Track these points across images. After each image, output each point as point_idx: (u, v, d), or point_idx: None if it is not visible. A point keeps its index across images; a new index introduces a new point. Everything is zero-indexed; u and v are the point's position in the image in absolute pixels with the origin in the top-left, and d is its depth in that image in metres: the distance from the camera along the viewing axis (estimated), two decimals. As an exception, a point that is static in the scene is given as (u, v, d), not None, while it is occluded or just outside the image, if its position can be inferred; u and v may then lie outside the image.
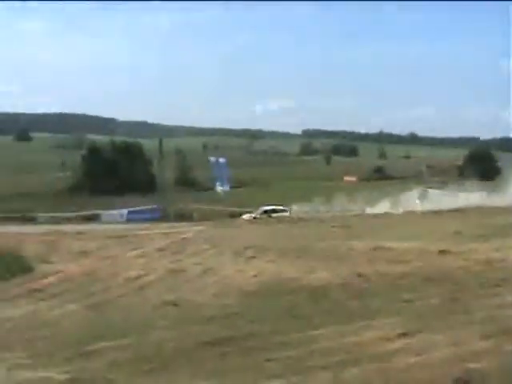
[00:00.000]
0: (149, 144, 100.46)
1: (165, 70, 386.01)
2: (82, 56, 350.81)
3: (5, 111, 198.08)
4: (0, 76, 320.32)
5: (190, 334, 21.01)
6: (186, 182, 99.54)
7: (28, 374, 17.63)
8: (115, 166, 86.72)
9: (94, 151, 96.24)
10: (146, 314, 24.71)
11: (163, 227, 55.90)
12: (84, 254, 40.82)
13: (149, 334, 21.16)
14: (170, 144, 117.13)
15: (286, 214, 62.19)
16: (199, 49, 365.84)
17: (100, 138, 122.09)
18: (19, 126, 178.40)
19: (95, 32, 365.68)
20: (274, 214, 61.39)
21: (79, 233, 51.82)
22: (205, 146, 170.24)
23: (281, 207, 64.17)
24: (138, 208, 61.90)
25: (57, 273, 33.81)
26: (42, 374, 17.56)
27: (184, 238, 47.99)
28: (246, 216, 61.57)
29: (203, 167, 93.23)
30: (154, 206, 69.59)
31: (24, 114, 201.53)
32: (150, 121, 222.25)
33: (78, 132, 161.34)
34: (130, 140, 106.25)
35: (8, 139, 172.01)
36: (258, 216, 60.89)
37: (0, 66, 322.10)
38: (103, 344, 20.13)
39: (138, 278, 32.64)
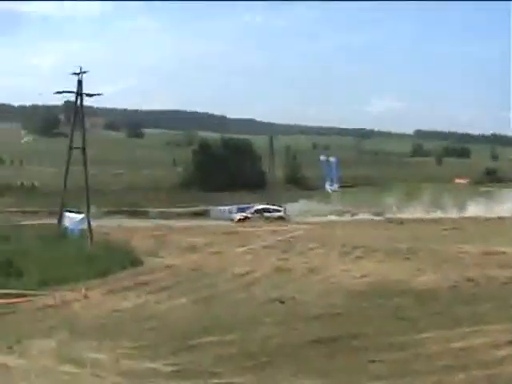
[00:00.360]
0: (258, 142, 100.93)
1: (274, 70, 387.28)
2: (194, 54, 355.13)
3: (120, 107, 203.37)
4: (116, 73, 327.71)
5: (295, 331, 21.04)
6: (296, 181, 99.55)
7: (135, 365, 18.01)
8: (225, 163, 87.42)
9: (205, 148, 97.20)
10: (252, 310, 24.85)
11: (271, 224, 56.08)
12: (192, 249, 41.36)
13: (254, 331, 21.28)
14: (279, 142, 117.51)
15: (280, 213, 59.73)
16: (308, 48, 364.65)
17: (211, 135, 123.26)
18: (132, 123, 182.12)
19: (208, 31, 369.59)
20: (267, 214, 59.40)
21: (188, 228, 52.49)
22: (315, 145, 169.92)
23: (274, 207, 61.64)
24: (246, 205, 61.86)
25: (165, 267, 34.38)
26: (148, 365, 17.90)
27: (292, 236, 48.02)
28: (237, 215, 59.32)
29: (313, 166, 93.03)
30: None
31: (137, 111, 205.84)
32: (258, 119, 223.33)
33: (189, 129, 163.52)
34: (240, 137, 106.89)
35: (121, 135, 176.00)
36: (250, 215, 59.00)
37: (116, 63, 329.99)
38: (209, 338, 20.37)
39: (245, 274, 32.87)
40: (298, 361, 17.67)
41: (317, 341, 19.53)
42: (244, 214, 59.41)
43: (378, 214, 62.78)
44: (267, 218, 59.41)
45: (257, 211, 60.22)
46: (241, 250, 41.02)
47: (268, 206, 61.36)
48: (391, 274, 31.75)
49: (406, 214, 62.59)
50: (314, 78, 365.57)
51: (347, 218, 62.67)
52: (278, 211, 61.17)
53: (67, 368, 17.66)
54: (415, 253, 38.73)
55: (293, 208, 63.33)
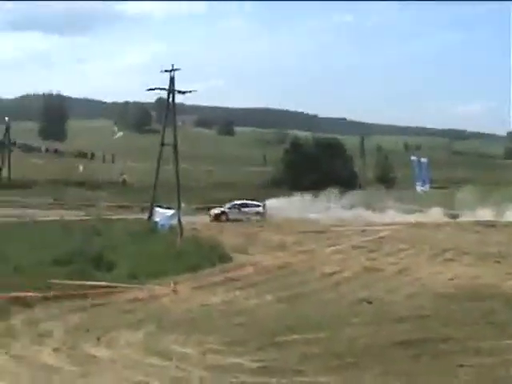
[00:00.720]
0: (349, 141, 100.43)
1: (363, 69, 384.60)
2: (286, 53, 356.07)
3: (211, 105, 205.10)
4: (208, 71, 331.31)
5: (383, 332, 20.79)
6: (386, 181, 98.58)
7: (221, 360, 18.10)
8: (316, 162, 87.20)
9: (296, 146, 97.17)
10: (340, 309, 24.69)
11: (360, 224, 55.66)
12: (281, 247, 41.40)
13: (341, 330, 21.12)
14: (370, 142, 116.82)
15: (258, 209, 57.93)
16: (400, 48, 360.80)
17: (302, 134, 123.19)
18: (223, 120, 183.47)
19: (299, 31, 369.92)
20: (245, 209, 57.63)
21: (278, 226, 52.57)
22: (406, 145, 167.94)
23: (254, 202, 59.69)
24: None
25: (254, 264, 34.49)
26: (234, 360, 17.96)
27: (381, 237, 47.60)
28: (214, 210, 57.98)
29: (404, 166, 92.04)
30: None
31: (228, 109, 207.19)
32: (349, 118, 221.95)
33: (280, 127, 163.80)
34: (331, 136, 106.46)
35: (212, 133, 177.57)
36: (227, 210, 57.44)
37: (208, 61, 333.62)
38: (295, 336, 20.32)
39: (333, 273, 32.72)
40: (385, 362, 17.44)
41: (404, 342, 19.25)
42: (221, 209, 58.22)
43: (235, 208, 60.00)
44: (245, 214, 57.81)
45: (234, 206, 58.88)
46: (330, 249, 40.83)
47: (247, 202, 59.87)
48: (481, 278, 31.11)
49: (497, 217, 61.04)
50: (405, 77, 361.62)
51: (438, 219, 61.52)
52: (257, 206, 59.69)
53: (154, 360, 17.88)
54: (506, 257, 37.83)
55: (382, 207, 62.56)
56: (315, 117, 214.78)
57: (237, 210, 57.70)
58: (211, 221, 55.39)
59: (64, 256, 30.61)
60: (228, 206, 58.61)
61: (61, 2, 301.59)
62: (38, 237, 36.40)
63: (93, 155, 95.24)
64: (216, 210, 57.48)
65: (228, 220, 55.79)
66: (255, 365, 17.54)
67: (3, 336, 19.97)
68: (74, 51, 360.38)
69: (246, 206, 58.60)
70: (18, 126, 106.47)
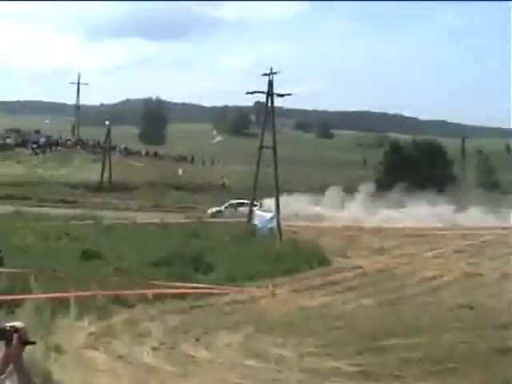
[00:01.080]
0: (449, 143, 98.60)
1: (466, 69, 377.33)
2: (385, 55, 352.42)
3: (310, 108, 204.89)
4: (307, 73, 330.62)
5: (484, 339, 20.31)
6: (488, 184, 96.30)
7: (318, 363, 18.03)
8: (416, 165, 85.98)
9: (396, 149, 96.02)
10: (440, 314, 24.30)
11: (462, 228, 54.48)
12: (381, 250, 40.89)
13: (441, 335, 20.75)
14: (471, 144, 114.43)
15: (254, 208, 56.24)
16: (502, 46, 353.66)
17: (402, 137, 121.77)
18: (322, 123, 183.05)
19: (399, 32, 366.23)
20: (241, 208, 56.36)
21: (378, 229, 51.93)
22: (508, 148, 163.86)
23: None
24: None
25: (353, 268, 34.23)
26: (332, 363, 17.86)
27: (483, 241, 46.52)
28: (212, 209, 56.80)
29: (506, 169, 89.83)
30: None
31: (327, 112, 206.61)
32: (449, 120, 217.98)
33: (379, 130, 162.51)
34: (431, 138, 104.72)
35: (311, 136, 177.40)
36: (223, 209, 56.27)
37: (307, 64, 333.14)
38: (394, 341, 20.07)
39: (433, 278, 32.17)
40: (486, 369, 17.04)
41: (506, 350, 18.75)
42: (217, 208, 57.39)
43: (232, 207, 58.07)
44: (241, 213, 56.59)
45: (231, 205, 58.03)
46: (430, 253, 40.13)
47: (243, 201, 58.66)
48: None
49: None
50: (505, 78, 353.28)
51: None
52: (254, 206, 58.36)
53: (252, 362, 17.95)
54: None
55: (483, 211, 60.85)
56: (415, 119, 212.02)
57: (233, 209, 57.44)
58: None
59: (164, 258, 31.06)
60: (225, 205, 58.48)
61: (160, 8, 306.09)
62: (138, 238, 37.03)
63: (192, 159, 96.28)
64: (213, 209, 57.38)
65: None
66: (353, 369, 17.41)
67: (104, 335, 20.41)
68: (173, 57, 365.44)
69: (243, 205, 58.24)
70: (119, 130, 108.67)
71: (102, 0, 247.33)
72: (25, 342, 3.61)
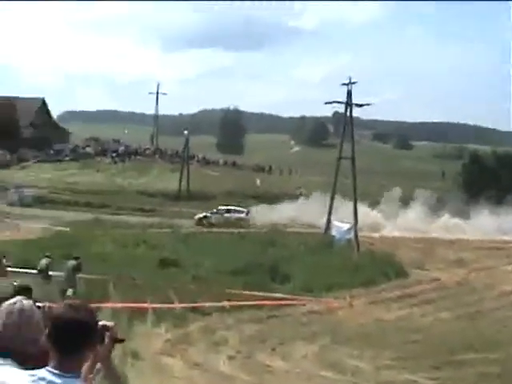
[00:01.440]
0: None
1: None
2: (463, 64, 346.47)
3: (388, 119, 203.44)
4: (383, 83, 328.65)
5: None
6: None
7: (395, 376, 17.84)
8: (496, 177, 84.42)
9: (475, 161, 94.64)
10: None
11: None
12: (459, 263, 40.19)
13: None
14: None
15: (241, 215, 54.73)
16: None
17: (480, 148, 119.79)
18: (400, 134, 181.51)
19: (481, 39, 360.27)
20: (227, 215, 54.96)
21: (453, 242, 51.09)
22: None
23: (238, 208, 56.24)
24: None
25: (431, 280, 33.78)
26: (408, 377, 17.65)
27: None
28: (199, 214, 55.36)
29: None
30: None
31: (405, 123, 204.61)
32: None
33: (458, 142, 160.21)
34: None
35: (388, 147, 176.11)
36: (209, 215, 54.79)
37: (384, 73, 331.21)
38: (473, 355, 19.71)
39: (513, 292, 31.52)
40: None
41: None
42: (204, 214, 56.44)
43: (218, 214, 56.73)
44: (227, 219, 55.70)
45: (218, 211, 57.05)
46: (509, 267, 39.30)
47: (230, 208, 57.67)
48: None
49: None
50: None
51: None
52: (241, 213, 57.45)
53: (328, 373, 17.87)
54: None
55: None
56: (495, 130, 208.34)
57: (219, 215, 56.95)
58: (196, 224, 54.60)
59: (241, 266, 31.22)
60: (212, 211, 57.99)
61: (238, 18, 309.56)
62: (215, 247, 37.30)
63: (270, 168, 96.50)
64: (200, 215, 56.97)
65: (211, 224, 54.74)
66: (430, 383, 17.19)
67: (180, 342, 20.57)
68: (251, 67, 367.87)
69: (229, 211, 57.79)
70: (197, 139, 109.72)
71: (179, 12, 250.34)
72: (115, 340, 3.66)
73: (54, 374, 3.34)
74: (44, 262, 25.74)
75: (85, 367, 3.58)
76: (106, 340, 3.61)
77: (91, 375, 3.71)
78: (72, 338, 3.37)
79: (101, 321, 3.63)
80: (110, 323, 3.69)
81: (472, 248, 46.88)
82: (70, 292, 23.74)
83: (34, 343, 3.93)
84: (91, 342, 3.46)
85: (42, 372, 3.36)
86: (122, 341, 3.75)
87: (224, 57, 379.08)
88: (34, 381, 3.33)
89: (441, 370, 18.37)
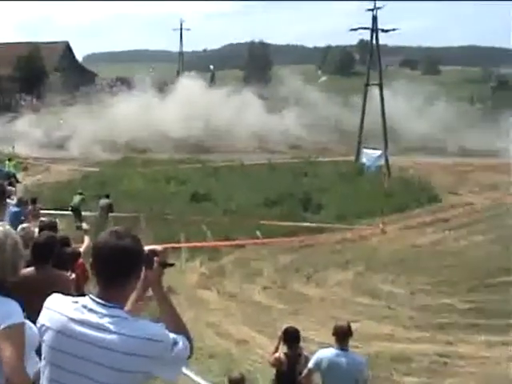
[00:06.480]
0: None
1: None
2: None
3: (417, 45, 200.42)
4: (411, 10, 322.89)
5: None
6: None
7: (430, 300, 17.84)
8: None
9: (503, 84, 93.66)
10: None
11: None
12: (494, 187, 39.70)
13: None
14: None
15: None
16: None
17: (509, 71, 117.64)
18: (428, 60, 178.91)
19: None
20: None
21: (491, 166, 50.17)
22: None
23: None
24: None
25: (465, 204, 33.53)
26: (443, 300, 17.64)
27: None
28: None
29: None
30: None
31: (432, 48, 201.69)
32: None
33: (486, 65, 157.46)
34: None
35: (417, 73, 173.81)
36: None
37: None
38: (508, 278, 19.62)
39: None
40: None
41: None
42: None
43: None
44: None
45: None
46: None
47: None
48: None
49: None
50: None
51: None
52: None
53: (362, 299, 17.92)
54: None
55: None
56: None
57: None
58: None
59: (273, 198, 31.19)
60: None
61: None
62: (246, 180, 37.18)
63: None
64: None
65: None
66: (466, 306, 17.17)
67: (216, 275, 20.69)
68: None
69: None
70: (223, 74, 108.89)
71: None
72: (165, 265, 3.59)
73: (97, 302, 3.31)
74: (77, 198, 25.93)
75: (133, 294, 3.53)
76: (155, 265, 3.54)
77: (141, 302, 3.65)
78: (115, 265, 3.32)
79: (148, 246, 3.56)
80: (159, 247, 3.61)
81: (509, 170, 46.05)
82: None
83: (12, 271, 3.91)
84: (136, 270, 3.41)
85: (85, 299, 3.35)
86: (171, 265, 3.67)
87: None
88: (76, 308, 3.31)
89: (476, 293, 18.35)
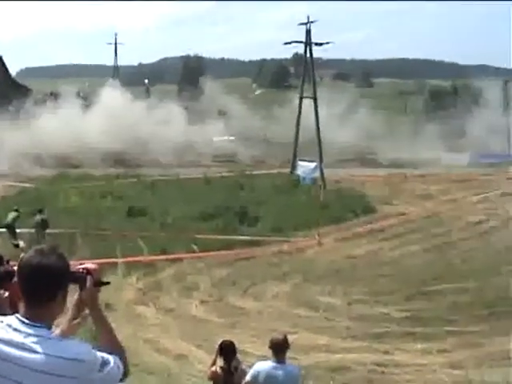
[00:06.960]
0: (492, 87, 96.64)
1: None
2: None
3: (347, 58, 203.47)
4: (346, 24, 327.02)
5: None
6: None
7: (367, 310, 17.99)
8: (456, 110, 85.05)
9: (434, 96, 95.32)
10: (488, 259, 24.03)
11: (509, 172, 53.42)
12: (426, 196, 40.34)
13: (490, 279, 20.55)
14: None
15: None
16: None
17: (441, 83, 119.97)
18: (362, 72, 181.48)
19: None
20: None
21: (422, 176, 51.10)
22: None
23: None
24: (487, 152, 57.80)
25: (399, 214, 33.92)
26: (380, 310, 17.82)
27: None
28: None
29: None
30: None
31: (366, 61, 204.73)
32: (491, 64, 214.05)
33: (419, 77, 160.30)
34: (469, 82, 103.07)
35: (350, 85, 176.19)
36: None
37: (345, 13, 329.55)
38: (443, 286, 19.92)
39: (479, 222, 31.75)
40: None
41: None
42: None
43: None
44: None
45: None
46: (475, 198, 39.53)
47: None
48: None
49: None
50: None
51: None
52: None
53: (300, 311, 17.99)
54: None
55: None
56: (454, 64, 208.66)
57: None
58: None
59: (210, 211, 31.13)
60: None
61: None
62: (182, 194, 37.02)
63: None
64: None
65: None
66: (402, 314, 17.37)
67: (153, 290, 20.56)
68: (209, 14, 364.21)
69: None
70: (158, 88, 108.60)
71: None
72: (100, 283, 3.51)
73: (22, 322, 3.22)
74: (11, 215, 25.51)
75: (68, 313, 3.46)
76: (88, 284, 3.47)
77: (76, 321, 3.57)
78: (39, 284, 3.22)
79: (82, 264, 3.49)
80: (92, 266, 3.54)
81: (440, 180, 46.94)
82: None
83: None
84: (62, 288, 3.30)
85: (11, 319, 3.26)
86: (106, 283, 3.59)
87: (184, 5, 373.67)
88: (0, 327, 3.23)
89: (412, 301, 18.57)
